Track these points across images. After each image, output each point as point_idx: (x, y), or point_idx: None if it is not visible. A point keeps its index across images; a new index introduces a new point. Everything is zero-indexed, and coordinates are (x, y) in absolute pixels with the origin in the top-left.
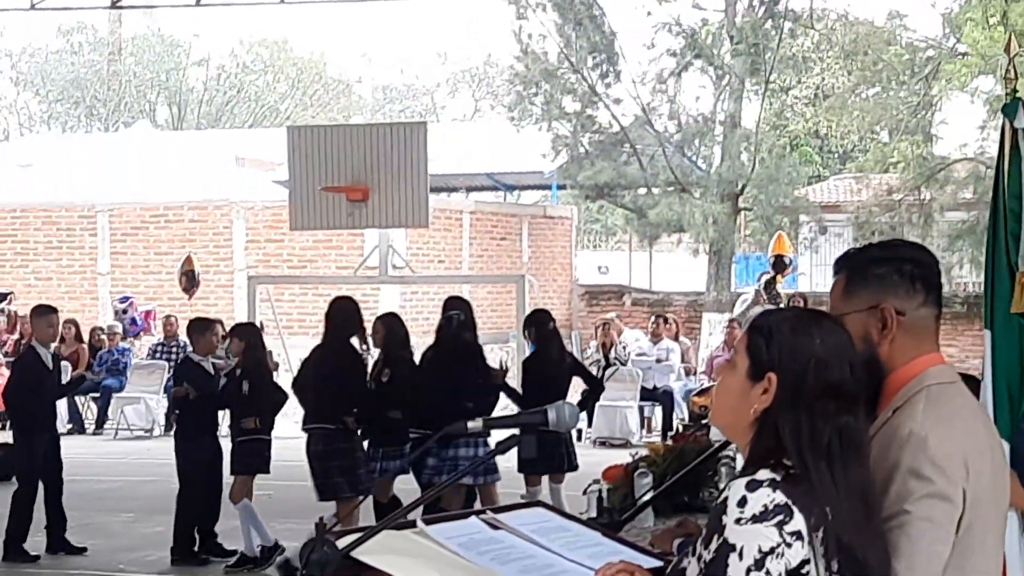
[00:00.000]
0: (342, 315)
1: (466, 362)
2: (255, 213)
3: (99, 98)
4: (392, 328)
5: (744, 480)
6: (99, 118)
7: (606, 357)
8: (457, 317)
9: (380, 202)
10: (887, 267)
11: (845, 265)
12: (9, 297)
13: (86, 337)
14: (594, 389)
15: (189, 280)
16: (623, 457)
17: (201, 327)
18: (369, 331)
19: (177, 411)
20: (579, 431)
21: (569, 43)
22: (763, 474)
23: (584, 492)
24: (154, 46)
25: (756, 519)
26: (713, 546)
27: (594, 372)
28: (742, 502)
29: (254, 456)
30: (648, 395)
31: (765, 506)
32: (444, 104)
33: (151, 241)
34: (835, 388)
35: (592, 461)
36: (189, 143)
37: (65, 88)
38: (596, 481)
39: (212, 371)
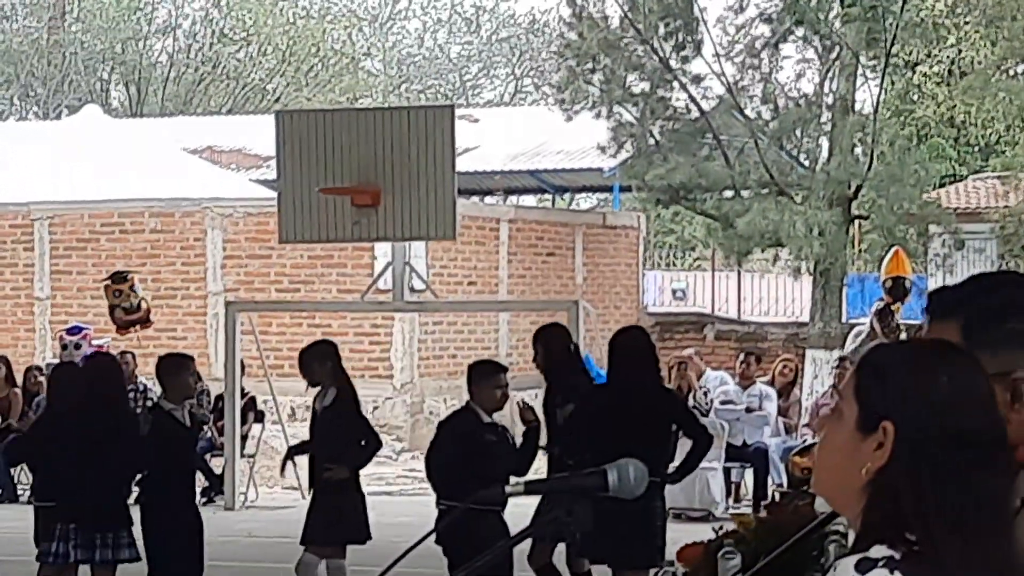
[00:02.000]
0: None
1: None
2: (234, 221)
3: (36, 75)
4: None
5: (854, 559)
6: (36, 101)
7: None
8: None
9: (394, 208)
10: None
11: (959, 311)
12: None
13: (20, 379)
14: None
15: (127, 311)
16: (704, 533)
17: (173, 366)
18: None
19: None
20: None
21: (635, 5)
22: (878, 551)
23: None
24: (107, 8)
25: None
26: None
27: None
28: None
29: None
30: (736, 454)
31: None
32: (476, 83)
33: (103, 257)
34: (969, 437)
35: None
36: (151, 133)
37: None
38: (671, 563)
39: (188, 423)
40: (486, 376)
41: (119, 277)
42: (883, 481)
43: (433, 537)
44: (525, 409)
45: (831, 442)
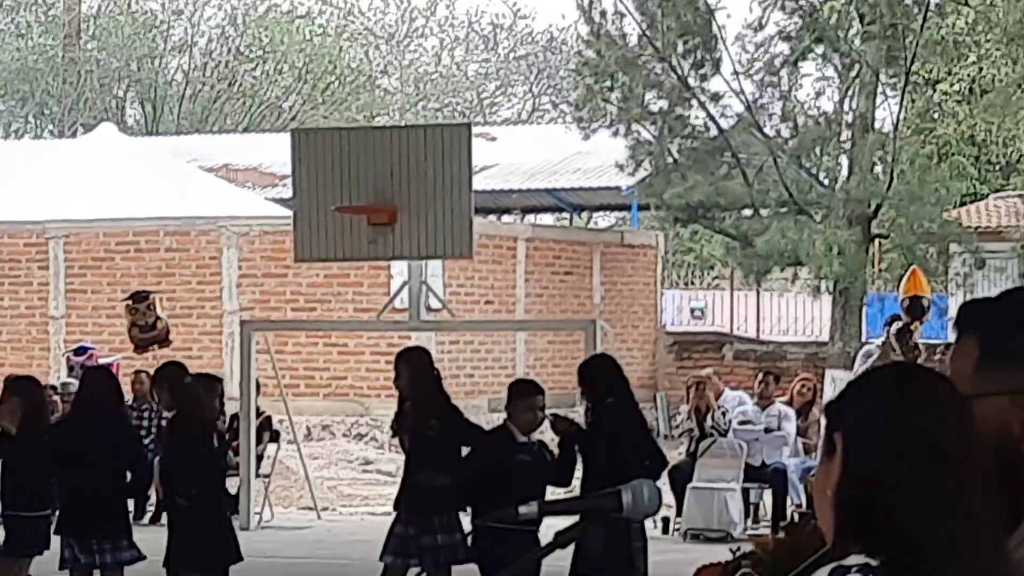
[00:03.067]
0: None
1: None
2: (250, 240)
3: (52, 93)
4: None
5: (828, 567)
6: (52, 119)
7: (700, 425)
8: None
9: (411, 226)
10: None
11: (977, 328)
12: None
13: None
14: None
15: (143, 329)
16: (722, 554)
17: (204, 386)
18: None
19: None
20: (666, 520)
21: (654, 23)
22: (853, 559)
23: None
24: (122, 26)
25: None
26: None
27: (685, 444)
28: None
29: None
30: (755, 475)
31: None
32: (494, 101)
33: (117, 275)
34: (934, 450)
35: (682, 559)
36: (166, 151)
37: (8, 81)
38: None
39: (216, 443)
40: (522, 397)
41: (139, 296)
42: (843, 494)
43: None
44: (557, 420)
45: (818, 472)
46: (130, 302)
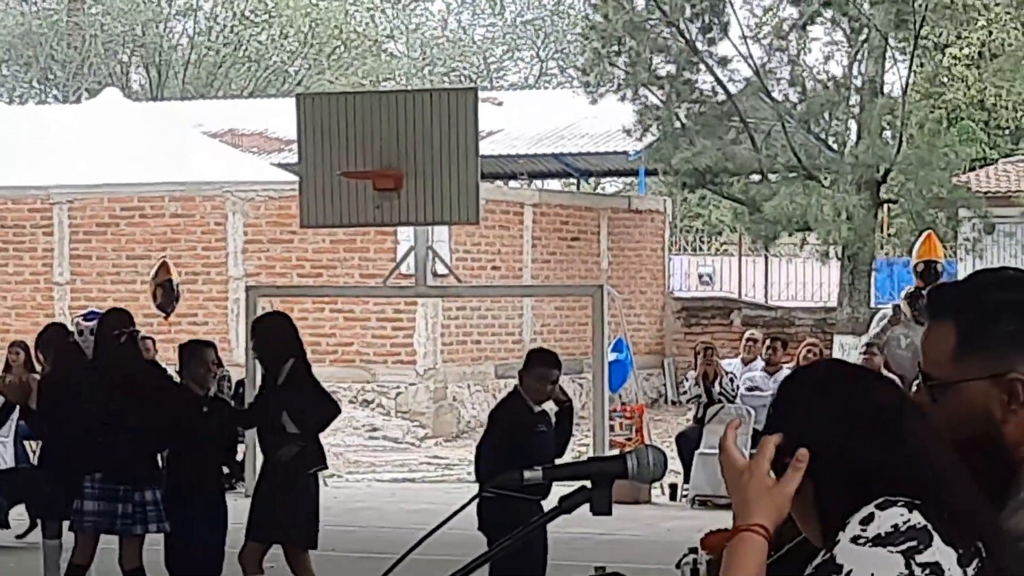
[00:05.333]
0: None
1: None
2: (255, 206)
3: (56, 59)
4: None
5: (875, 501)
6: (56, 84)
7: (708, 392)
8: None
9: (417, 192)
10: (1019, 319)
11: (955, 312)
12: None
13: (38, 365)
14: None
15: (166, 294)
16: (729, 520)
17: (193, 352)
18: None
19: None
20: (673, 487)
21: None
22: (898, 497)
23: (678, 565)
24: None
25: (880, 540)
26: (816, 561)
27: (692, 410)
28: (867, 519)
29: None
30: None
31: (896, 526)
32: (500, 66)
33: (122, 241)
34: (880, 409)
35: (689, 525)
36: (171, 116)
37: (12, 46)
38: (693, 550)
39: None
40: (536, 366)
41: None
42: (822, 488)
43: (476, 524)
44: (557, 390)
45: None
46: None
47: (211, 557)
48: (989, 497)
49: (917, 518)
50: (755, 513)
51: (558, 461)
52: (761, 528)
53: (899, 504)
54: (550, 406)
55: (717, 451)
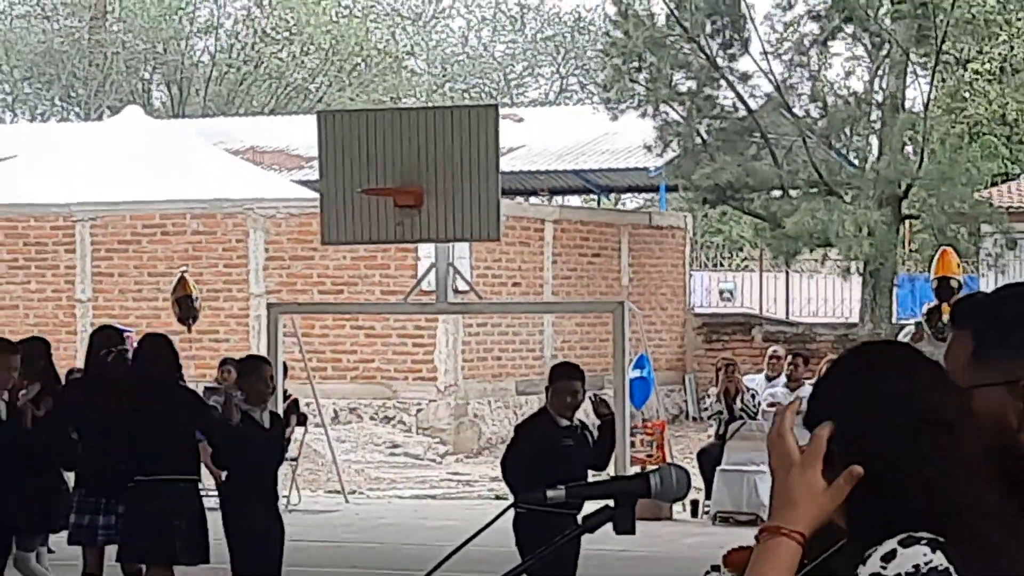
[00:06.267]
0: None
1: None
2: (276, 223)
3: (78, 76)
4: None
5: (899, 537)
6: (78, 102)
7: (730, 408)
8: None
9: (438, 208)
10: None
11: (972, 319)
12: None
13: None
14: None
15: (183, 310)
16: (751, 537)
17: (252, 368)
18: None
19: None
20: (695, 503)
21: (682, 3)
22: (923, 534)
23: None
24: (148, 8)
25: None
26: None
27: (714, 426)
28: (889, 556)
29: None
30: None
31: (917, 567)
32: (521, 82)
33: (144, 259)
34: (920, 414)
35: (711, 542)
36: (193, 133)
37: (34, 64)
38: (716, 568)
39: (268, 424)
40: (557, 380)
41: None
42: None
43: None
44: (599, 403)
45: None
46: (186, 275)
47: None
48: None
49: (940, 559)
50: (798, 519)
51: (601, 474)
52: (800, 536)
53: (923, 542)
54: (593, 420)
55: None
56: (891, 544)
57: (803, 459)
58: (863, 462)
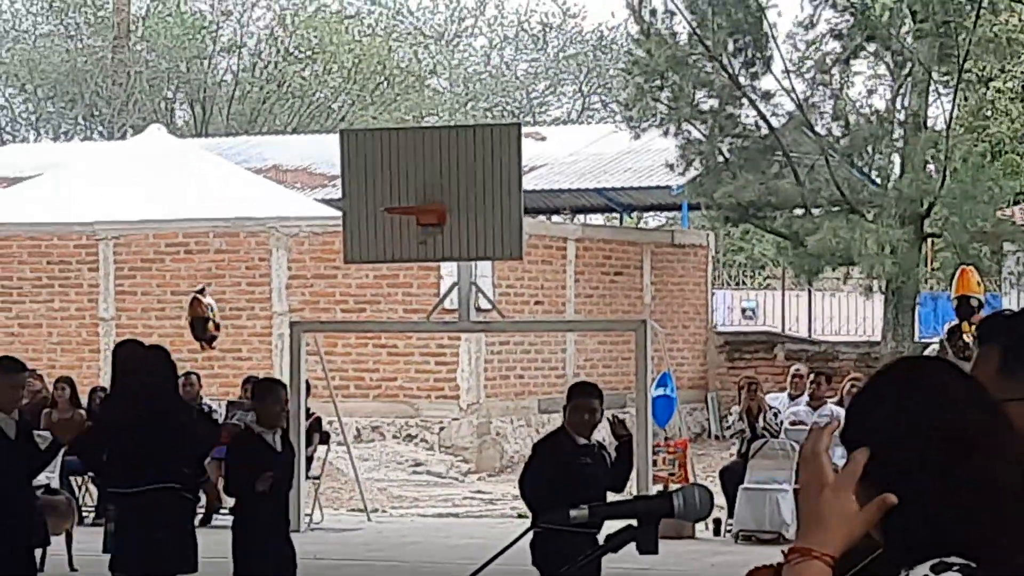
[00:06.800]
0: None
1: None
2: (299, 241)
3: (101, 95)
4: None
5: (930, 563)
6: (101, 121)
7: (752, 427)
8: None
9: (460, 227)
10: None
11: (999, 336)
12: None
13: (84, 400)
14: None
15: (199, 331)
16: (774, 555)
17: (267, 391)
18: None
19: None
20: (717, 522)
21: (704, 21)
22: (955, 557)
23: None
24: (171, 27)
25: None
26: None
27: (736, 444)
28: None
29: None
30: None
31: None
32: (543, 101)
33: (167, 277)
34: (959, 440)
35: (733, 560)
36: (216, 152)
37: (58, 83)
38: None
39: (280, 447)
40: (573, 399)
41: (201, 291)
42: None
43: (527, 559)
44: (616, 423)
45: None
46: (198, 296)
47: None
48: None
49: None
50: (829, 541)
51: (618, 495)
52: (831, 559)
53: (954, 568)
54: (611, 440)
55: (761, 486)
56: (922, 570)
57: (837, 480)
58: (897, 483)
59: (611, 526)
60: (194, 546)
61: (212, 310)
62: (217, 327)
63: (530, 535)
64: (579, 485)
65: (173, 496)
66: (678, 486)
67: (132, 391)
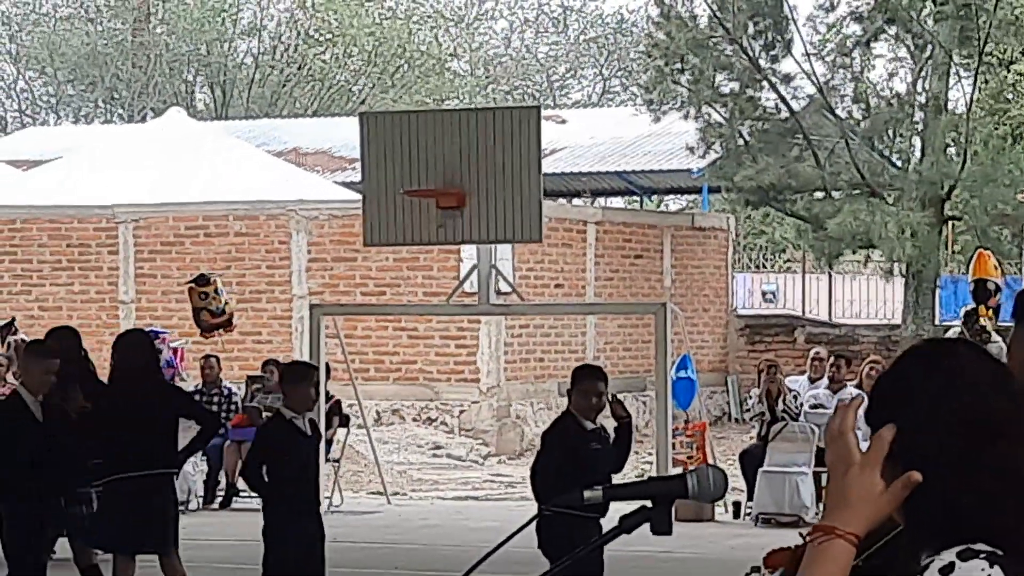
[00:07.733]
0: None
1: None
2: (319, 224)
3: (121, 79)
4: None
5: (957, 548)
6: (121, 104)
7: (771, 410)
8: None
9: (480, 210)
10: None
11: None
12: (12, 326)
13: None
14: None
15: (201, 323)
16: (793, 538)
17: (297, 375)
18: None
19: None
20: (736, 504)
21: (724, 4)
22: (982, 544)
23: None
24: (192, 10)
25: None
26: None
27: (756, 427)
28: (947, 569)
29: None
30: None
31: None
32: (563, 84)
33: (187, 260)
34: (983, 424)
35: (752, 543)
36: (235, 135)
37: (78, 66)
38: (756, 569)
39: (309, 431)
40: (579, 382)
41: (203, 280)
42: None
43: (535, 543)
44: (616, 404)
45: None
46: (194, 285)
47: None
48: None
49: (998, 574)
50: (853, 520)
51: (617, 477)
52: (855, 537)
53: (981, 556)
54: (610, 423)
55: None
56: (949, 556)
57: (863, 459)
58: (923, 466)
59: (617, 508)
60: (175, 527)
61: (208, 296)
62: (215, 315)
63: (520, 517)
64: (588, 470)
65: (157, 480)
66: (692, 468)
67: (113, 381)
